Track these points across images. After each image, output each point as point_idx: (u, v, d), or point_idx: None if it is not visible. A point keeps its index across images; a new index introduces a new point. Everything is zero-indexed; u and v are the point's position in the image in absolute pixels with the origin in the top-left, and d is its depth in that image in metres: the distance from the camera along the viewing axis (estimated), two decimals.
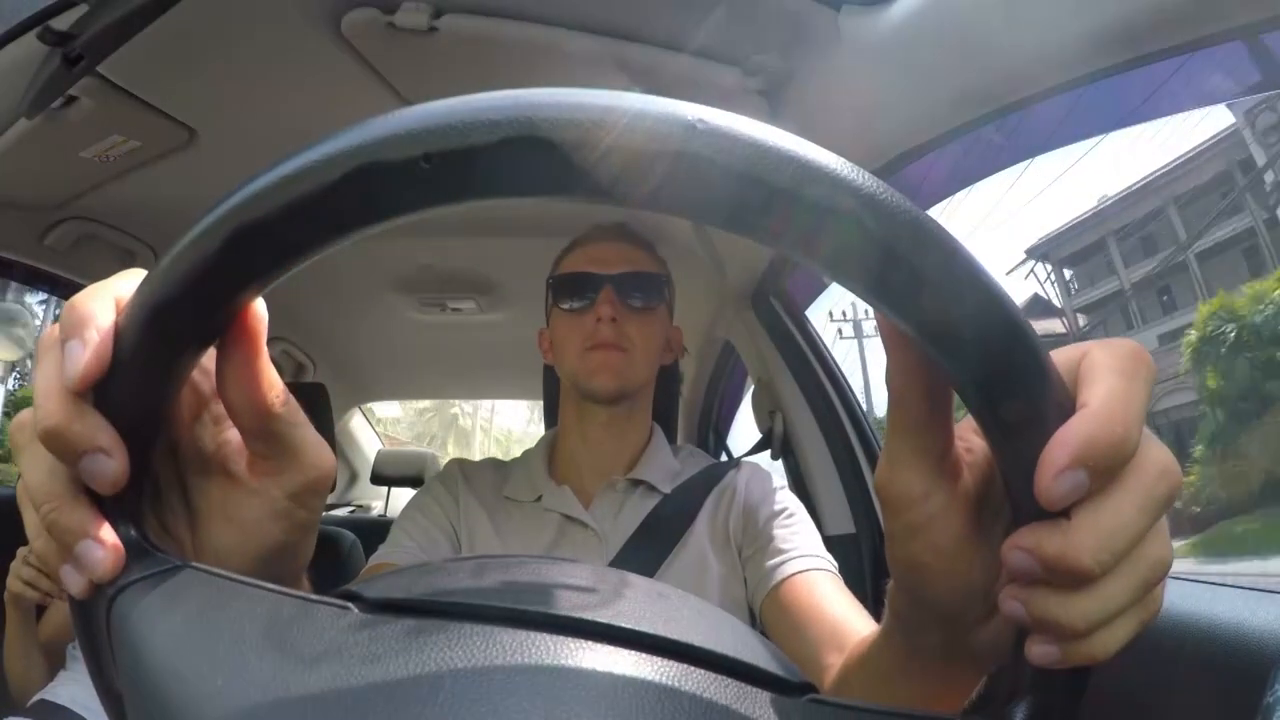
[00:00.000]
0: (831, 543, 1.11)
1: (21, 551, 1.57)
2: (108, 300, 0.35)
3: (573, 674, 0.31)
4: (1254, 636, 0.72)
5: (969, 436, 0.39)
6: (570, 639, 0.32)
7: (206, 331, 0.35)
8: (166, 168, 1.48)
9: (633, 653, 0.32)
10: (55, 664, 1.60)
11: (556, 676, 0.30)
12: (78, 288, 1.71)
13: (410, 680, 0.30)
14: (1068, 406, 0.31)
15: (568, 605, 0.35)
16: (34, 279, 1.84)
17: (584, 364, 1.17)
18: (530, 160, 0.28)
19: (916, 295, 0.29)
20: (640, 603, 0.37)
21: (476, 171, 0.28)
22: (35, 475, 0.35)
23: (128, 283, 0.35)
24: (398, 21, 1.08)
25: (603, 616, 0.34)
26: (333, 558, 2.10)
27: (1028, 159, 1.22)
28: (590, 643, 0.32)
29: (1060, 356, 0.33)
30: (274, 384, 0.39)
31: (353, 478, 3.65)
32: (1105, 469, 0.30)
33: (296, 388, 2.23)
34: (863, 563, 1.56)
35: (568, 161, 0.28)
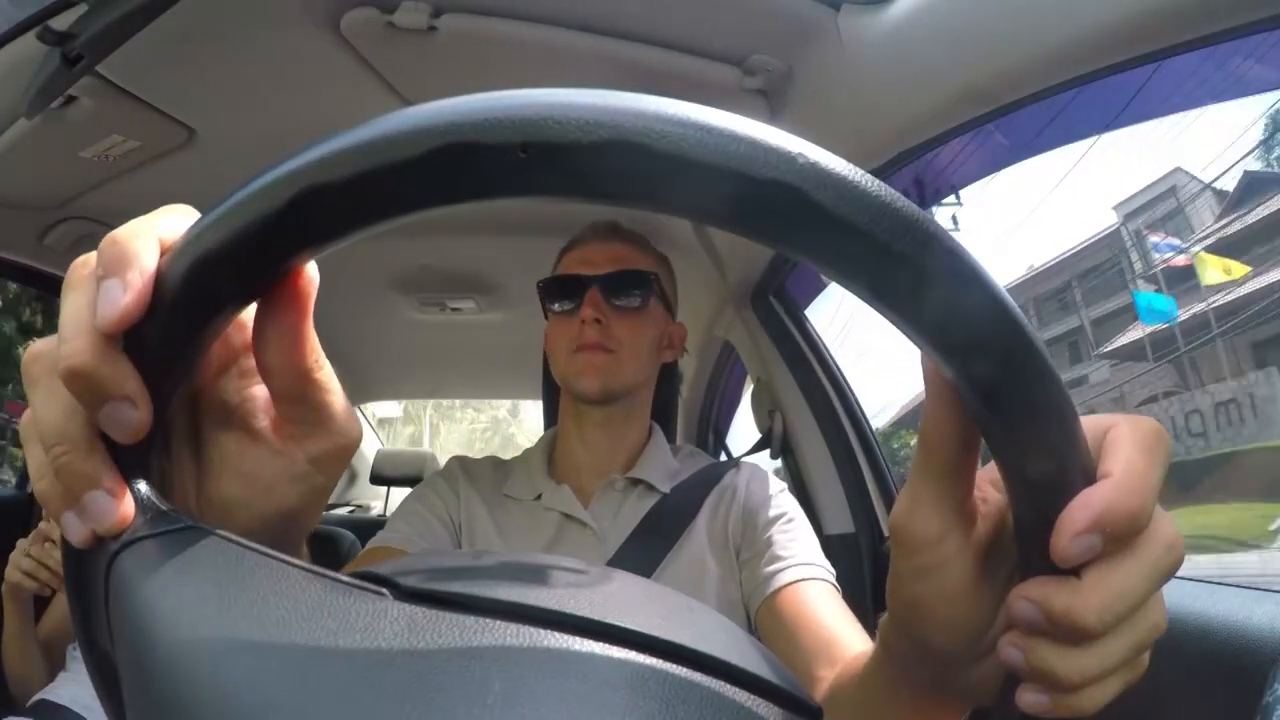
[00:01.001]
0: (830, 542, 1.11)
1: (21, 543, 1.58)
2: (152, 240, 0.32)
3: (618, 684, 0.30)
4: (1253, 635, 0.72)
5: (985, 487, 0.41)
6: (612, 647, 0.32)
7: (253, 289, 0.33)
8: (166, 168, 1.48)
9: (674, 666, 0.32)
10: (55, 664, 1.60)
11: (601, 684, 0.30)
12: None
13: (455, 675, 0.29)
14: (1090, 472, 0.33)
15: (600, 610, 0.34)
16: (33, 279, 1.84)
17: (571, 366, 1.17)
18: (625, 165, 0.28)
19: (965, 348, 0.30)
20: (679, 616, 0.37)
21: (572, 169, 0.28)
22: (49, 414, 0.33)
23: (174, 221, 0.33)
24: (397, 21, 1.08)
25: (643, 626, 0.33)
26: (332, 557, 2.10)
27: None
28: (632, 653, 0.32)
29: (1088, 424, 0.35)
30: (314, 348, 0.37)
31: (352, 477, 3.65)
32: (1120, 536, 0.32)
33: None
34: (862, 561, 1.56)
35: (659, 171, 0.28)
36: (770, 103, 1.22)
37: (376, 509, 3.50)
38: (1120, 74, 0.82)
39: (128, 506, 0.33)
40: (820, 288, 1.93)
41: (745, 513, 1.14)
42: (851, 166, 0.29)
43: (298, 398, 0.38)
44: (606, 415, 1.21)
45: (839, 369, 1.80)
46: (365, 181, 0.29)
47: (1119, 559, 0.33)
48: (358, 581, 0.33)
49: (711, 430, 2.69)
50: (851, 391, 1.78)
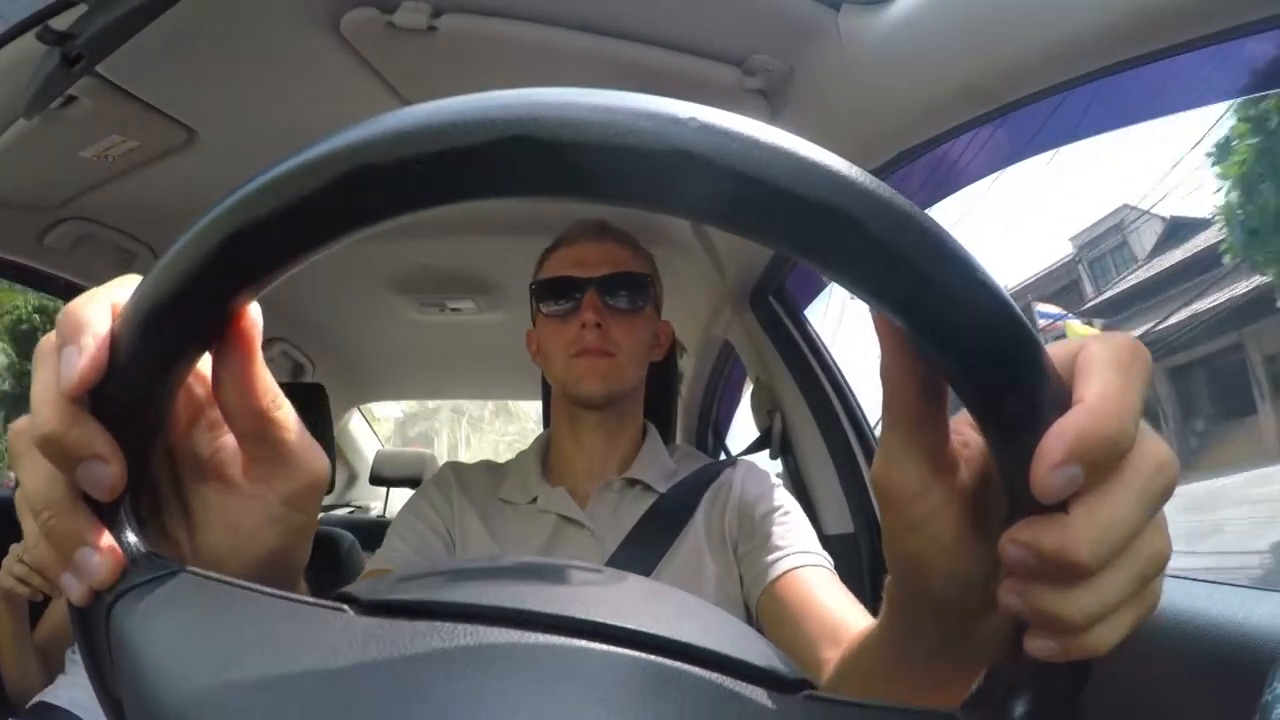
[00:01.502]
0: (830, 542, 1.11)
1: (15, 548, 1.57)
2: (104, 306, 0.34)
3: (566, 673, 0.31)
4: (1252, 635, 0.72)
5: (965, 431, 0.39)
6: (564, 638, 0.32)
7: (202, 336, 0.35)
8: (166, 168, 1.48)
9: (627, 651, 0.32)
10: (53, 667, 1.60)
11: (550, 676, 0.31)
12: (77, 288, 1.70)
13: (405, 681, 0.30)
14: (1064, 401, 0.31)
15: (561, 604, 0.34)
16: (33, 279, 1.83)
17: (571, 371, 1.17)
18: (521, 161, 0.28)
19: (912, 293, 0.29)
20: (634, 600, 0.37)
21: (468, 173, 0.28)
22: (33, 482, 0.35)
23: (123, 289, 0.35)
24: (397, 21, 1.08)
25: (596, 614, 0.34)
26: (332, 559, 2.10)
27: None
28: (584, 641, 0.32)
29: (1057, 351, 0.33)
30: (269, 388, 0.39)
31: (351, 478, 3.65)
32: (1102, 463, 0.30)
33: (295, 388, 2.23)
34: (861, 562, 1.56)
35: (560, 162, 0.28)
36: (771, 103, 1.22)
37: (376, 509, 3.50)
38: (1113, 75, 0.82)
39: (116, 559, 0.35)
40: (820, 288, 1.93)
41: (741, 508, 1.14)
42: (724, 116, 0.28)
43: (259, 438, 0.40)
44: (602, 418, 1.21)
45: (838, 369, 1.80)
46: (282, 218, 0.30)
47: (1106, 487, 0.31)
48: (323, 602, 0.35)
49: (711, 430, 2.69)
50: (851, 391, 1.78)
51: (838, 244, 0.28)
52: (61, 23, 0.99)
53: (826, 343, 1.85)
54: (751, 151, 0.27)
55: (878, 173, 1.08)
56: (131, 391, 0.34)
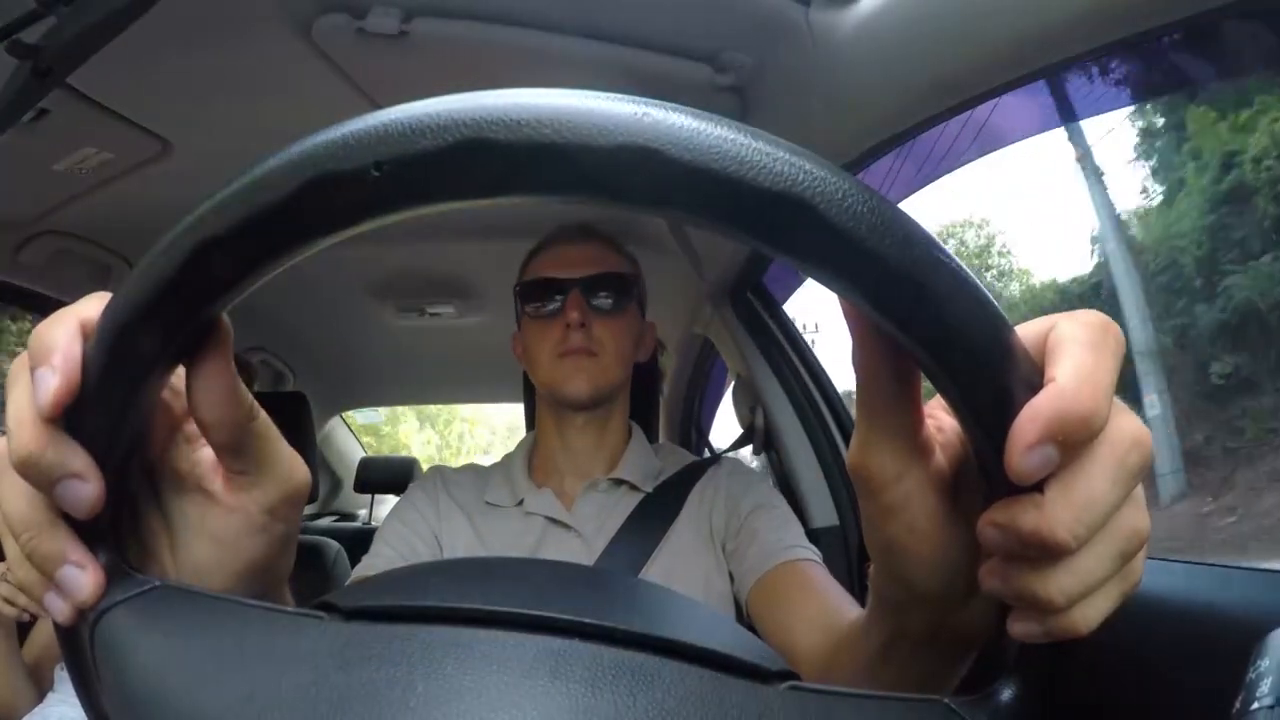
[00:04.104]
0: (815, 536, 1.12)
1: None
2: (73, 325, 0.34)
3: (542, 670, 0.31)
4: (1233, 614, 0.73)
5: (939, 415, 0.40)
6: (539, 636, 0.33)
7: (173, 350, 0.35)
8: (141, 179, 1.47)
9: (602, 647, 0.33)
10: (43, 685, 1.59)
11: (525, 673, 0.31)
12: (54, 303, 1.68)
13: (382, 684, 0.30)
14: (1035, 381, 0.31)
15: (537, 602, 0.35)
16: (8, 295, 1.82)
17: (556, 371, 1.17)
18: (480, 163, 0.28)
19: (876, 279, 0.29)
20: (610, 597, 0.38)
21: (428, 176, 0.29)
22: (13, 504, 0.36)
23: (93, 306, 0.35)
24: (368, 26, 1.08)
25: (570, 612, 0.34)
26: (318, 567, 2.09)
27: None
28: (558, 639, 0.33)
29: (1026, 331, 0.33)
30: (243, 398, 0.39)
31: (336, 486, 3.63)
32: (1076, 443, 0.30)
33: (276, 397, 2.22)
34: (848, 554, 1.56)
35: (516, 162, 0.28)
36: (743, 99, 1.23)
37: (362, 516, 3.48)
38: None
39: (98, 577, 0.35)
40: (799, 283, 1.94)
41: (728, 505, 1.14)
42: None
43: (237, 449, 0.40)
44: (588, 419, 1.21)
45: (819, 362, 1.80)
46: (247, 229, 0.30)
47: (1081, 466, 0.31)
48: (299, 610, 0.35)
49: (694, 427, 2.69)
50: (832, 384, 1.78)
51: (794, 231, 0.28)
52: (31, 35, 0.98)
53: (809, 337, 1.86)
54: (694, 140, 0.28)
55: (850, 166, 1.09)
56: (106, 409, 0.34)
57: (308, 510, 3.17)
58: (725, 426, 2.46)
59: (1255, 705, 0.40)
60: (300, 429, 2.15)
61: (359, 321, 2.47)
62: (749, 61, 1.15)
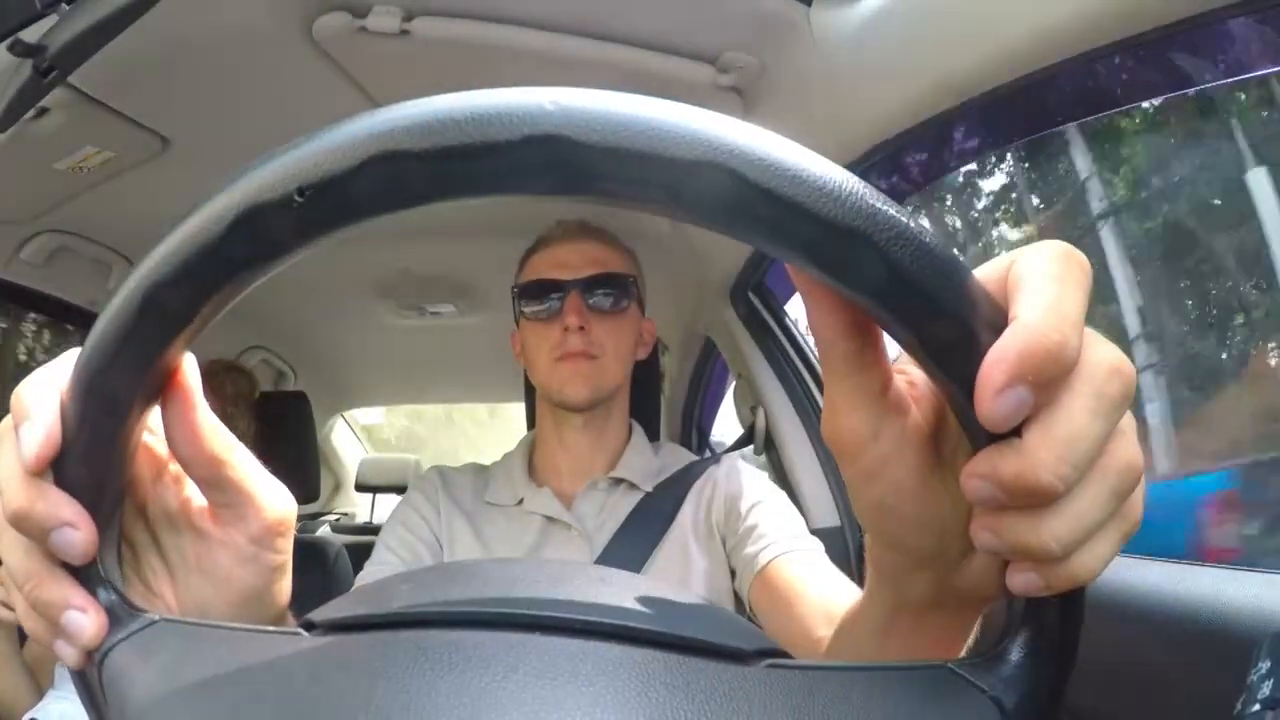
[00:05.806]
0: (816, 536, 1.12)
1: None
2: (50, 382, 0.36)
3: (495, 666, 0.32)
4: (1234, 615, 0.73)
5: (910, 370, 0.38)
6: (496, 632, 0.33)
7: (145, 393, 0.36)
8: (142, 178, 1.47)
9: (560, 639, 0.33)
10: (42, 685, 1.59)
11: (499, 671, 0.31)
12: (55, 302, 1.67)
13: (347, 689, 0.31)
14: (999, 323, 0.29)
15: (496, 601, 0.36)
16: (8, 294, 1.81)
17: (555, 375, 1.17)
18: (396, 175, 0.29)
19: (811, 236, 0.28)
20: (579, 590, 0.38)
21: (349, 196, 0.29)
22: (13, 558, 0.37)
23: (68, 362, 0.36)
24: (369, 25, 1.08)
25: (534, 608, 0.35)
26: (320, 567, 2.09)
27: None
28: (517, 634, 0.33)
29: (985, 271, 0.32)
30: (217, 433, 0.40)
31: (337, 486, 3.63)
32: (1048, 380, 0.29)
33: (277, 396, 2.22)
34: (849, 554, 1.56)
35: (435, 170, 0.28)
36: (744, 99, 1.23)
37: (362, 516, 3.48)
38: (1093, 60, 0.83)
39: (100, 618, 0.37)
40: None
41: (727, 501, 1.14)
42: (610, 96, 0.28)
43: (217, 484, 0.42)
44: (588, 419, 1.21)
45: (820, 361, 1.79)
46: (190, 270, 0.31)
47: (1057, 403, 0.29)
48: (279, 629, 0.38)
49: (695, 427, 2.69)
50: None
51: (716, 198, 0.28)
52: (32, 35, 0.98)
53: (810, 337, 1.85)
54: (624, 122, 0.28)
55: (854, 166, 1.08)
56: (89, 457, 0.35)
57: (308, 510, 3.17)
58: (727, 427, 2.46)
59: (1256, 706, 0.40)
60: (301, 429, 2.15)
61: (360, 321, 2.47)
62: (750, 62, 1.15)
